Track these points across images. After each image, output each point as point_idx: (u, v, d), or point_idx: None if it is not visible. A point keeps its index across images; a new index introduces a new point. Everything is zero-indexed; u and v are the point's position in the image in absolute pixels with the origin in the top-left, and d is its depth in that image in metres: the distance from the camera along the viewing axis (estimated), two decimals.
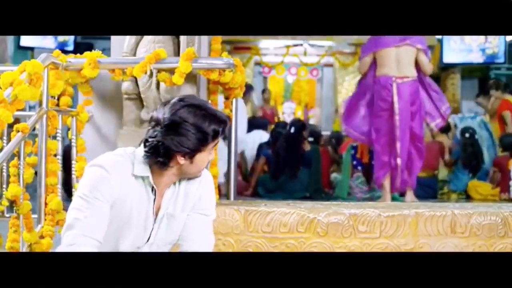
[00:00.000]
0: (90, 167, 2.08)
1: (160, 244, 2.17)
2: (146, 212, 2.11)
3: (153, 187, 2.10)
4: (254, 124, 7.11)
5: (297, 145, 6.02)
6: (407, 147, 5.09)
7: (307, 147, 6.13)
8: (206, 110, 2.05)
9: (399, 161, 5.06)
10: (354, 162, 6.09)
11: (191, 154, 2.05)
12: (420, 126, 5.20)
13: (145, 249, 2.14)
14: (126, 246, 2.12)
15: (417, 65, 5.14)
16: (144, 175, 2.09)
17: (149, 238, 2.15)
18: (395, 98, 5.01)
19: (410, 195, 5.20)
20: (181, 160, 2.05)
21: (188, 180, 2.17)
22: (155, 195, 2.12)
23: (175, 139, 2.02)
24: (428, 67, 5.18)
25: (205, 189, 2.21)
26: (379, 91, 5.08)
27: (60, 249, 2.03)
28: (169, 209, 2.15)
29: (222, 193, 4.59)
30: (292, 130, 6.11)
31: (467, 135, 6.51)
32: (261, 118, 8.16)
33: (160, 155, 2.04)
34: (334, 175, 6.49)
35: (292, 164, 5.95)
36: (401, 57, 5.04)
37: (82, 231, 1.99)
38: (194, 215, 2.18)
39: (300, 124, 6.28)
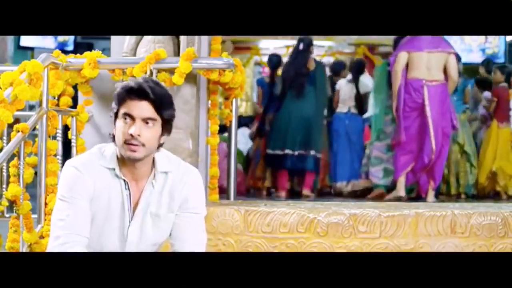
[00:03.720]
0: (65, 167, 2.11)
1: (148, 243, 2.16)
2: (122, 208, 2.11)
3: (125, 180, 2.10)
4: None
5: (304, 61, 5.91)
6: (440, 146, 5.29)
7: (312, 65, 5.98)
8: (140, 79, 2.07)
9: (433, 157, 5.25)
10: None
11: (115, 112, 2.06)
12: (448, 126, 5.39)
13: (132, 247, 2.14)
14: (111, 242, 2.12)
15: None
16: (110, 166, 2.09)
17: (127, 236, 2.13)
18: (426, 101, 5.22)
19: (431, 195, 5.33)
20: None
21: (172, 181, 2.14)
22: (128, 189, 2.11)
23: None
24: (454, 71, 5.33)
25: (190, 188, 2.18)
26: (410, 92, 5.28)
27: (52, 250, 2.03)
28: (152, 208, 2.14)
29: None
30: (301, 46, 6.03)
31: None
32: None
33: None
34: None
35: (298, 82, 5.85)
36: (432, 62, 5.25)
37: (69, 230, 2.01)
38: (184, 214, 2.17)
39: (308, 40, 6.10)
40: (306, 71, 5.89)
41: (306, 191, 5.85)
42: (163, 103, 2.04)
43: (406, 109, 5.33)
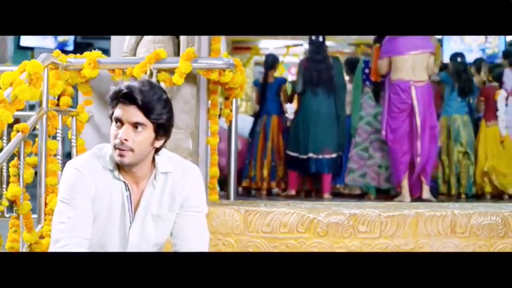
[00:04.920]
0: (66, 169, 2.10)
1: (150, 244, 2.16)
2: (122, 209, 2.11)
3: (124, 182, 2.10)
4: None
5: (325, 52, 5.88)
6: (427, 146, 5.33)
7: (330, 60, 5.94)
8: (137, 81, 2.05)
9: (418, 160, 5.30)
10: (364, 77, 6.01)
11: (110, 115, 2.04)
12: (436, 126, 5.47)
13: (133, 248, 2.14)
14: (112, 243, 2.12)
15: None
16: (110, 168, 2.08)
17: (128, 237, 2.13)
18: (415, 101, 5.27)
19: (426, 191, 5.37)
20: None
21: (173, 181, 2.14)
22: (128, 190, 2.11)
23: None
24: (431, 68, 5.45)
25: (191, 187, 2.17)
26: (398, 93, 5.32)
27: (53, 251, 2.03)
28: (153, 209, 2.13)
29: None
30: (321, 38, 5.93)
31: (459, 59, 6.27)
32: None
33: None
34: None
35: (318, 75, 5.76)
36: (416, 64, 5.29)
37: (69, 232, 2.01)
38: (185, 213, 2.16)
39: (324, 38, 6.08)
40: (329, 64, 5.83)
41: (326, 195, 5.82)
42: (153, 108, 1.99)
43: (394, 109, 5.36)
